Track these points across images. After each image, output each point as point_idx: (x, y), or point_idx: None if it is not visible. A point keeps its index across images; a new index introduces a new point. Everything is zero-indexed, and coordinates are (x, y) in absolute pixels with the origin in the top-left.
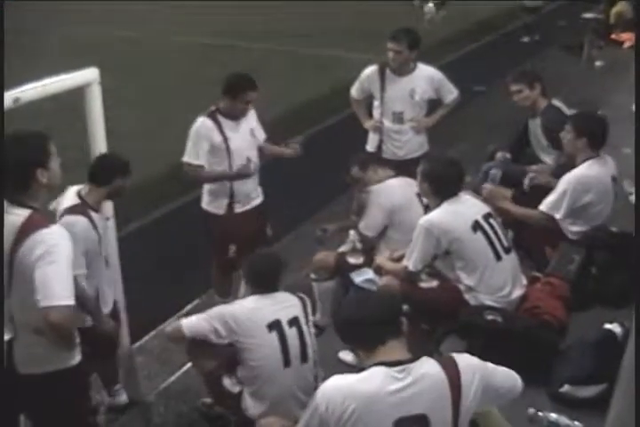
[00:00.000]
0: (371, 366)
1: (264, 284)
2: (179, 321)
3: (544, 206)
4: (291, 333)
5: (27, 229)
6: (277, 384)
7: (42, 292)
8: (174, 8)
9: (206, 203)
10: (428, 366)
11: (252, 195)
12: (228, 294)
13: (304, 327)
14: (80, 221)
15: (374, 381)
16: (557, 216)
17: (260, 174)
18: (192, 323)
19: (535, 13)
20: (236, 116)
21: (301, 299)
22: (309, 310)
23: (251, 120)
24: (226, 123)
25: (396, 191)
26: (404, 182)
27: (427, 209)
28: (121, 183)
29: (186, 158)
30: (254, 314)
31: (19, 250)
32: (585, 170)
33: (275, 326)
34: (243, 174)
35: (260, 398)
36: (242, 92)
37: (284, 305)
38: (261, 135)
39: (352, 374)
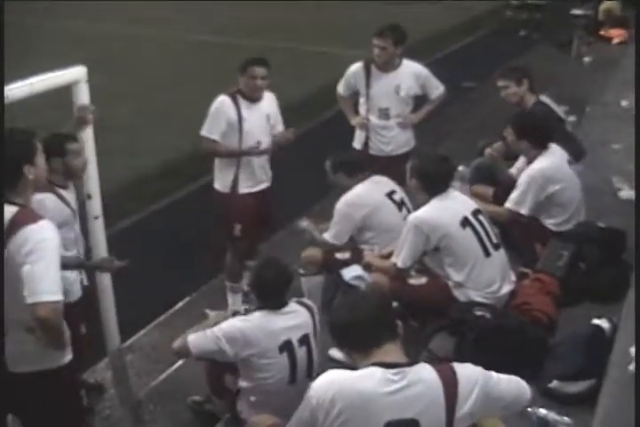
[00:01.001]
0: (367, 365)
1: (273, 298)
2: (186, 336)
3: (509, 203)
4: (300, 351)
5: (14, 226)
6: (279, 399)
7: (29, 288)
8: (170, 5)
9: (215, 180)
10: (424, 372)
11: (258, 178)
12: (238, 279)
13: (313, 344)
14: (48, 197)
15: (369, 381)
16: (523, 211)
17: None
18: (199, 342)
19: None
20: (252, 96)
21: (310, 309)
22: (317, 319)
23: (269, 105)
24: (244, 103)
25: (364, 200)
26: (373, 184)
27: (400, 205)
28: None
29: (203, 132)
30: (266, 335)
31: (7, 247)
32: (541, 162)
33: (286, 346)
34: (249, 153)
35: (259, 409)
36: (247, 67)
37: (294, 322)
38: (278, 124)
39: (348, 371)
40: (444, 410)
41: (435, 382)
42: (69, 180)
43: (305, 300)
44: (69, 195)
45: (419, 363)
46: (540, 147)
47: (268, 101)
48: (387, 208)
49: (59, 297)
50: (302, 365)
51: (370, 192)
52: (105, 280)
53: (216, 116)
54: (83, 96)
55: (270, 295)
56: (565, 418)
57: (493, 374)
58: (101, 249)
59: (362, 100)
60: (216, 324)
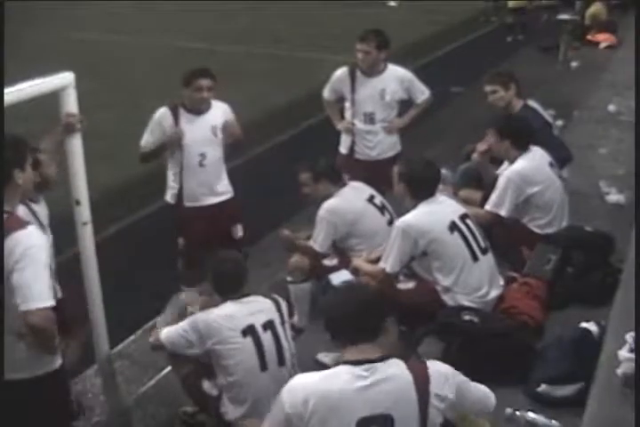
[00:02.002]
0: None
1: (231, 288)
2: (159, 331)
3: (488, 205)
4: (266, 337)
5: (1, 234)
6: (255, 388)
7: (20, 295)
8: (154, 12)
9: (167, 191)
10: (395, 368)
11: (206, 191)
12: (192, 284)
13: (279, 330)
14: (20, 208)
15: (337, 379)
16: (502, 213)
17: (235, 170)
18: (170, 336)
19: (519, 13)
20: (196, 109)
21: (275, 301)
22: (285, 311)
23: (215, 118)
24: (184, 116)
25: (347, 208)
26: (353, 190)
27: (382, 209)
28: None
29: (141, 143)
30: (228, 321)
31: None
32: (520, 164)
33: (249, 331)
34: (172, 142)
35: (238, 403)
36: (192, 79)
37: (256, 309)
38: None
39: (316, 373)
40: (417, 405)
41: (405, 378)
42: (40, 192)
43: (272, 294)
44: (40, 209)
45: (389, 358)
46: (521, 148)
47: (218, 112)
48: (369, 214)
49: (49, 303)
50: (271, 351)
51: (351, 199)
52: (93, 287)
53: (153, 129)
54: (70, 103)
55: (230, 287)
56: (554, 422)
57: (463, 377)
58: (90, 255)
59: (347, 104)
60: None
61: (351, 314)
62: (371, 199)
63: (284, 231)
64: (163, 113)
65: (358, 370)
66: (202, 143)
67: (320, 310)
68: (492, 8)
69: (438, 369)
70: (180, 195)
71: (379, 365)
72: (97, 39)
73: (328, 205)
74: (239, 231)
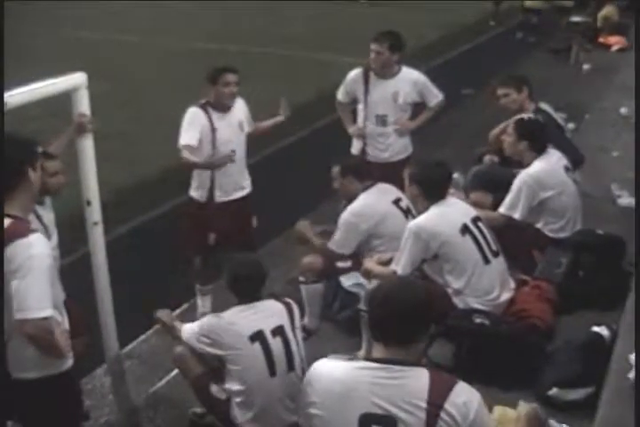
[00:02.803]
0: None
1: (246, 293)
2: (183, 329)
3: (502, 208)
4: (275, 342)
5: (5, 240)
6: (264, 394)
7: (16, 304)
8: (165, 12)
9: (192, 189)
10: (415, 374)
11: (235, 186)
12: (208, 282)
13: (290, 335)
14: None
15: (358, 372)
16: (516, 216)
17: (249, 168)
18: (189, 340)
19: (534, 14)
20: (223, 106)
21: (287, 305)
22: (296, 315)
23: (239, 113)
24: (215, 114)
25: (372, 210)
26: (379, 192)
27: (407, 213)
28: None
29: (181, 141)
30: (236, 326)
31: None
32: (536, 167)
33: (257, 336)
34: (220, 164)
35: (247, 407)
36: (219, 75)
37: (266, 314)
38: (249, 125)
39: (341, 361)
40: (425, 415)
41: (422, 386)
42: (44, 196)
43: (284, 298)
44: (44, 211)
45: (415, 365)
46: (538, 151)
47: (239, 108)
48: (394, 216)
49: (46, 313)
50: (280, 356)
51: (377, 201)
52: (103, 287)
53: (192, 125)
54: (82, 103)
55: (247, 291)
56: (565, 425)
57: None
58: (101, 255)
59: (360, 106)
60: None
61: (389, 314)
62: (397, 202)
63: (304, 223)
64: (195, 112)
65: (379, 370)
66: (233, 139)
67: (367, 299)
68: (496, 11)
69: (466, 391)
70: (211, 192)
71: (397, 368)
72: (108, 39)
73: (353, 208)
74: (255, 222)
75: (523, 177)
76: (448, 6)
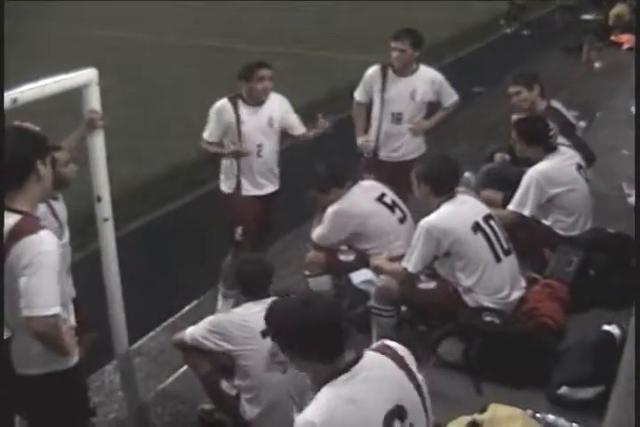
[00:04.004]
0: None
1: (255, 289)
2: (185, 333)
3: (511, 205)
4: None
5: (13, 237)
6: (273, 389)
7: (24, 301)
8: (175, 10)
9: (221, 182)
10: (372, 359)
11: (261, 180)
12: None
13: None
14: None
15: (358, 386)
16: (525, 213)
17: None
18: (195, 340)
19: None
20: (256, 100)
21: None
22: None
23: (275, 108)
24: (243, 106)
25: (354, 210)
26: (361, 192)
27: (392, 207)
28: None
29: (203, 135)
30: (248, 321)
31: (8, 256)
32: (545, 164)
33: (268, 332)
34: (236, 154)
35: (256, 403)
36: (253, 71)
37: None
38: (297, 125)
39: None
40: (408, 380)
41: (385, 362)
42: (58, 190)
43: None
44: (59, 206)
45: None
46: (547, 150)
47: (275, 104)
48: (378, 213)
49: (54, 311)
50: None
51: (359, 201)
52: (113, 283)
53: (215, 120)
54: (93, 99)
55: (254, 288)
56: (574, 424)
57: None
58: (111, 251)
59: (376, 102)
60: None
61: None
62: (380, 198)
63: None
64: (222, 103)
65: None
66: (259, 134)
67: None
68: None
69: (402, 348)
70: (238, 185)
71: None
72: (119, 37)
73: (335, 207)
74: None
75: (531, 174)
76: (460, 5)
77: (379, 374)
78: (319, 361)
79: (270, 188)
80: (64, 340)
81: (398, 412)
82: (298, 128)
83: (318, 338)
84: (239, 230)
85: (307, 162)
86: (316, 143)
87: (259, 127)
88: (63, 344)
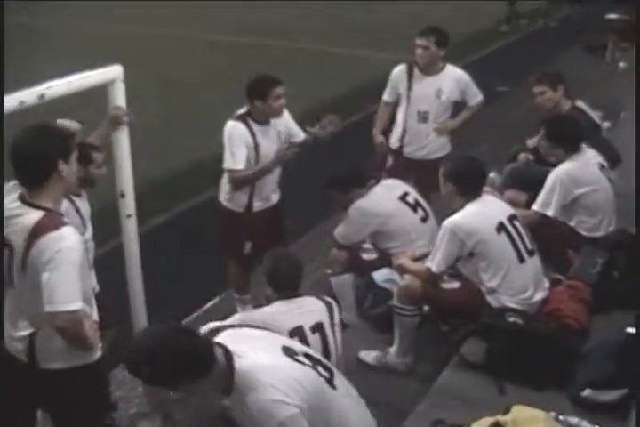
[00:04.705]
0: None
1: (285, 287)
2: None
3: (536, 205)
4: (313, 339)
5: (36, 233)
6: None
7: (46, 297)
8: (196, 4)
9: (226, 200)
10: None
11: (270, 193)
12: (246, 291)
13: (328, 333)
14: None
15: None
16: (549, 213)
17: (280, 174)
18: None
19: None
20: (266, 119)
21: (327, 303)
22: (336, 314)
23: (277, 122)
24: (256, 128)
25: (375, 210)
26: (384, 191)
27: (415, 207)
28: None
29: (229, 165)
30: (276, 320)
31: (29, 253)
32: (570, 164)
33: (296, 332)
34: (281, 160)
35: None
36: (269, 89)
37: (306, 310)
38: (298, 133)
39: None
40: None
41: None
42: (83, 188)
43: (324, 296)
44: (82, 203)
45: None
46: (572, 150)
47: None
48: (400, 213)
49: (76, 306)
50: (316, 353)
51: (381, 200)
52: (136, 278)
53: (236, 145)
54: (118, 96)
55: (286, 286)
56: None
57: None
58: (134, 247)
59: (402, 100)
60: None
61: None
62: (403, 197)
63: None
64: (236, 127)
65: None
66: (272, 152)
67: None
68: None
69: None
70: (250, 203)
71: None
72: (141, 32)
73: (357, 205)
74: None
75: (556, 174)
76: (479, 4)
77: None
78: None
79: (275, 197)
80: (86, 335)
81: None
82: (299, 135)
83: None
84: (248, 245)
85: (325, 161)
86: (334, 142)
87: (273, 145)
88: (85, 339)
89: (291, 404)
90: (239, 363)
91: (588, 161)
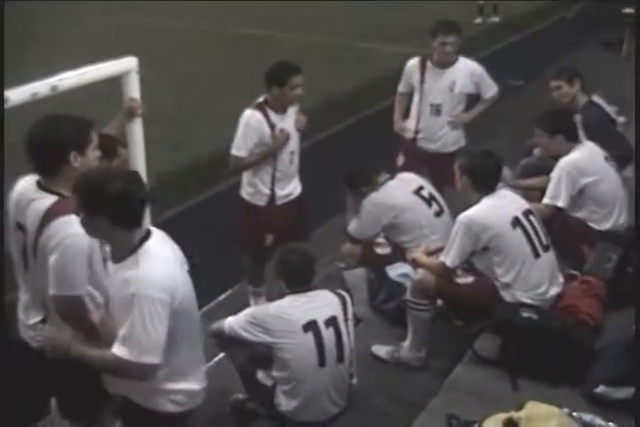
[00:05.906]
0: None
1: (298, 281)
2: (223, 323)
3: (546, 198)
4: (327, 333)
5: (48, 217)
6: (311, 384)
7: (51, 280)
8: None
9: (248, 194)
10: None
11: (292, 186)
12: (261, 284)
13: (342, 327)
14: None
15: None
16: (560, 204)
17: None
18: (234, 331)
19: None
20: (284, 107)
21: (341, 297)
22: (350, 308)
23: (291, 111)
24: (273, 116)
25: (390, 202)
26: (399, 184)
27: (429, 200)
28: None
29: (233, 151)
30: (289, 314)
31: (41, 237)
32: (575, 154)
33: (310, 326)
34: (278, 146)
35: (293, 396)
36: (288, 77)
37: (321, 304)
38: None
39: None
40: None
41: None
42: None
43: (338, 290)
44: None
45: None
46: (573, 140)
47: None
48: (414, 207)
49: (77, 292)
50: (331, 347)
51: (396, 193)
52: None
53: (247, 133)
54: (133, 87)
55: (297, 280)
56: (611, 424)
57: None
58: None
59: (415, 93)
60: None
61: None
62: (418, 191)
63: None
64: (253, 115)
65: None
66: (292, 141)
67: None
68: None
69: None
70: (272, 197)
71: None
72: (157, 24)
73: (372, 197)
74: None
75: (561, 165)
76: None
77: None
78: (124, 228)
79: (299, 188)
80: (91, 322)
81: None
82: (303, 122)
83: (131, 205)
84: (270, 238)
85: (337, 156)
86: (347, 136)
87: (291, 134)
88: (90, 327)
89: None
90: None
91: (591, 151)
